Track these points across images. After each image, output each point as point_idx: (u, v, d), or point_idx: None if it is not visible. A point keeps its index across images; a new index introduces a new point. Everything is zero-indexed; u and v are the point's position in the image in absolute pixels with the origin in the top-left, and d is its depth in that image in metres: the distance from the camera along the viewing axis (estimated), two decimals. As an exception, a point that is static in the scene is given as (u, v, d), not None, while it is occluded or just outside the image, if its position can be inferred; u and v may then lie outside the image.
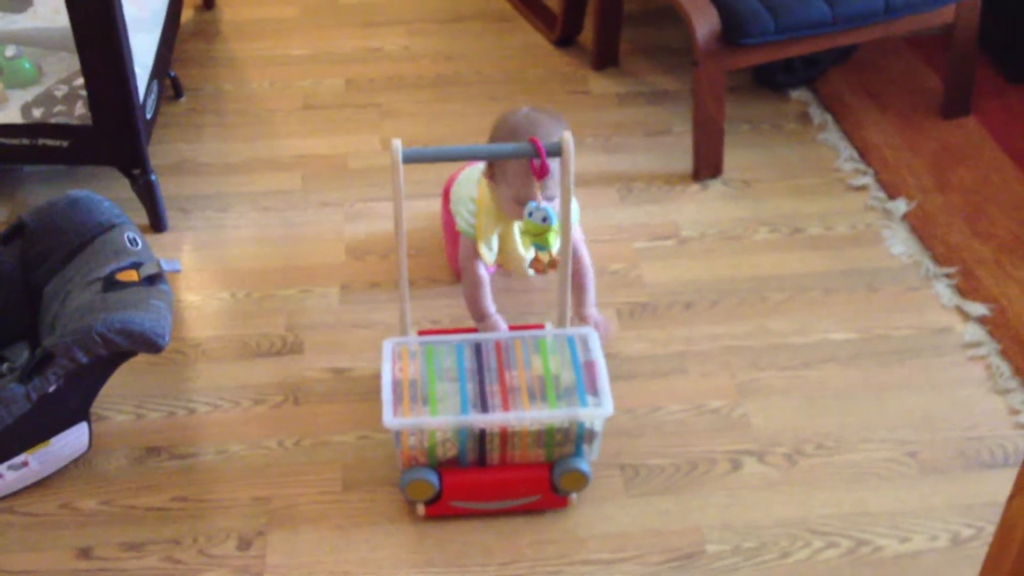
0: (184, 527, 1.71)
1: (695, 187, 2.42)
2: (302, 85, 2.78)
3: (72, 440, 1.75)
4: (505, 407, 1.65)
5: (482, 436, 1.67)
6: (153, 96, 2.31)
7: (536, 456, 1.70)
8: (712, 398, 1.93)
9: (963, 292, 2.14)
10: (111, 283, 1.72)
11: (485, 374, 1.71)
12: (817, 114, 2.66)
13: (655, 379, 1.96)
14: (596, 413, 1.66)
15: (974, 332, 2.05)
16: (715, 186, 2.43)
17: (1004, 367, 1.98)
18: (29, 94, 2.24)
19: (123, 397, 1.91)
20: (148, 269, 1.74)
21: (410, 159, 1.65)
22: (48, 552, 1.68)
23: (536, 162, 1.70)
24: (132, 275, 1.74)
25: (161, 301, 1.70)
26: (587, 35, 2.90)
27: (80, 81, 2.15)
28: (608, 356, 1.79)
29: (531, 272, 1.99)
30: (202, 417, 1.89)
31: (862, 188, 2.43)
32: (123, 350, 1.65)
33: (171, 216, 2.31)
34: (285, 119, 2.66)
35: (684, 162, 2.47)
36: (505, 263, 2.04)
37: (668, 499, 1.76)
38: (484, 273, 1.97)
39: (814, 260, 2.23)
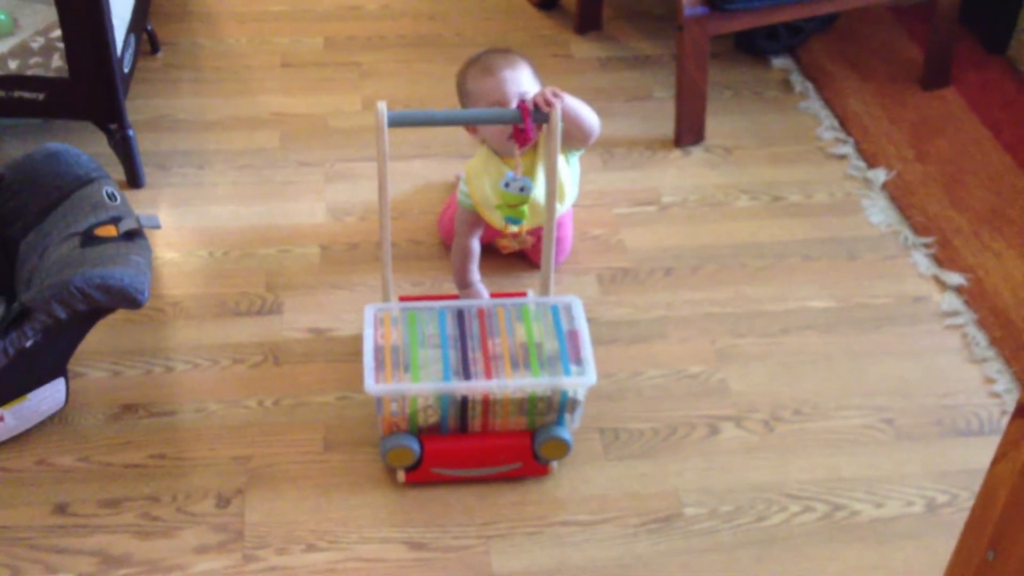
0: (162, 484, 1.70)
1: (677, 153, 2.42)
2: (280, 42, 2.74)
3: (49, 396, 1.74)
4: (488, 375, 1.65)
5: (464, 403, 1.66)
6: (131, 50, 2.27)
7: (518, 424, 1.70)
8: (691, 363, 1.93)
9: (940, 262, 2.16)
10: (89, 238, 1.70)
11: (468, 341, 1.70)
12: (799, 82, 2.66)
13: (635, 344, 1.97)
14: (579, 382, 1.65)
15: (951, 302, 2.07)
16: (697, 152, 2.42)
17: (980, 336, 2.00)
18: (4, 45, 2.20)
19: (100, 354, 1.89)
20: (127, 224, 1.72)
21: (395, 122, 1.63)
22: (24, 508, 1.66)
23: (521, 127, 1.68)
24: (111, 230, 1.71)
25: (140, 256, 1.68)
26: (569, -2, 2.88)
27: (57, 33, 2.12)
28: (589, 321, 1.79)
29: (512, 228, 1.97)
30: (180, 375, 1.88)
31: (842, 157, 2.43)
32: (101, 305, 1.63)
33: (148, 172, 2.28)
34: (263, 76, 2.62)
35: (666, 128, 2.47)
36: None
37: (647, 463, 1.77)
38: (476, 246, 1.96)
39: (794, 228, 2.23)
